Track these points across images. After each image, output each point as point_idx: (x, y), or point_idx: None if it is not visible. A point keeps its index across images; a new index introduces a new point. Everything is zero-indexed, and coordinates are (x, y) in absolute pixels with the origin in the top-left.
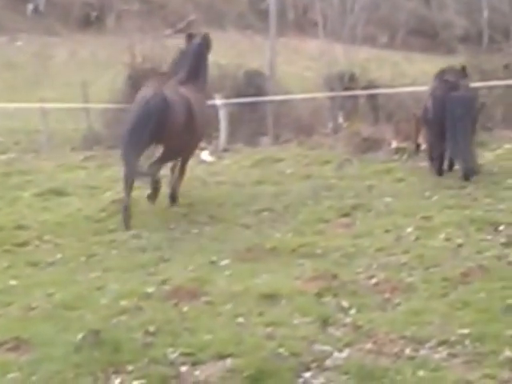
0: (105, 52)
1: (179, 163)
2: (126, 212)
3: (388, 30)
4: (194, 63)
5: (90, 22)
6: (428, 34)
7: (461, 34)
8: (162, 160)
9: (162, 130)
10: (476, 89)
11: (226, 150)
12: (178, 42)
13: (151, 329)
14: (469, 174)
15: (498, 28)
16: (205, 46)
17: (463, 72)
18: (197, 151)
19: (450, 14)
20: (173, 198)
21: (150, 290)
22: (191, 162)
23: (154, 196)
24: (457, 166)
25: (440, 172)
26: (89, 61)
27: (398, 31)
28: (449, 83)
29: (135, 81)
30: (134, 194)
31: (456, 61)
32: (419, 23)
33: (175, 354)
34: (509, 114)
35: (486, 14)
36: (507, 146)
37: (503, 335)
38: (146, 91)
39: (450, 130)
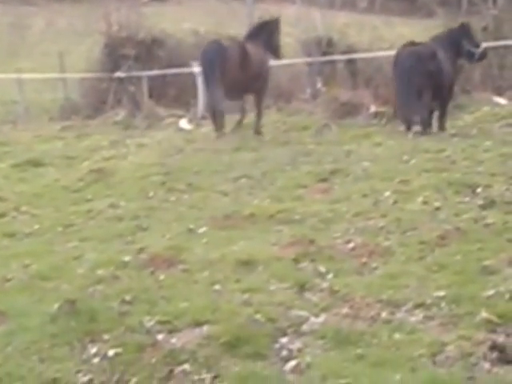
0: (82, 21)
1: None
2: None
3: None
4: (255, 31)
5: None
6: None
7: None
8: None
9: (222, 66)
10: (433, 50)
11: (204, 118)
12: (155, 10)
13: (127, 297)
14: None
15: None
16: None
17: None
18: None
19: None
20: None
21: (127, 258)
22: (170, 131)
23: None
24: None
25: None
26: (66, 30)
27: None
28: (408, 43)
29: (112, 49)
30: (111, 163)
31: (435, 24)
32: None
33: (151, 322)
34: (487, 76)
35: None
36: (485, 108)
37: (479, 296)
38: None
39: (396, 82)
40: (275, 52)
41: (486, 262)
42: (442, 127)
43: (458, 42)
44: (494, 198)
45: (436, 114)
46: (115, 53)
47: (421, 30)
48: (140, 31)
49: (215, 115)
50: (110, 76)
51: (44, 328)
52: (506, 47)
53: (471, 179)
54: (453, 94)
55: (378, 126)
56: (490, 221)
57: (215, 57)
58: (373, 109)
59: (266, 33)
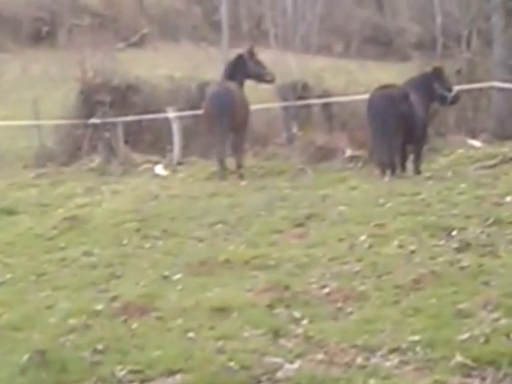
0: (57, 67)
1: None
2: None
3: (343, 39)
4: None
5: (41, 37)
6: (382, 42)
7: (415, 41)
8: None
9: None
10: (405, 92)
11: (180, 164)
12: (131, 56)
13: (99, 347)
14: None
15: (451, 34)
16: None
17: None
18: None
19: (403, 21)
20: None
21: (100, 307)
22: (145, 177)
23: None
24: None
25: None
26: (41, 77)
27: (352, 40)
28: (381, 86)
29: (87, 96)
30: (85, 210)
31: (410, 67)
32: (373, 31)
33: (123, 372)
34: (461, 119)
35: (439, 20)
36: (460, 150)
37: (454, 340)
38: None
39: (369, 125)
40: (261, 78)
41: (461, 306)
42: (416, 171)
43: (431, 85)
44: (469, 241)
45: (411, 158)
46: (90, 99)
47: (396, 74)
48: (115, 77)
49: (222, 163)
50: (85, 122)
51: (13, 380)
52: (479, 90)
53: (446, 222)
54: (427, 138)
55: (353, 170)
56: (465, 264)
57: (225, 100)
58: (348, 153)
59: (241, 68)
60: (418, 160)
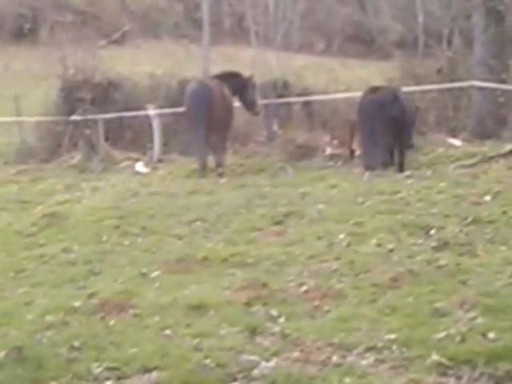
0: (38, 64)
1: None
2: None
3: (325, 37)
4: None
5: (24, 34)
6: (364, 40)
7: (396, 40)
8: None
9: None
10: (395, 94)
11: (160, 161)
12: (113, 53)
13: (76, 344)
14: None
15: (433, 33)
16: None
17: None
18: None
19: (385, 20)
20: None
21: (78, 304)
22: (126, 174)
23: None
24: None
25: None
26: (22, 73)
27: (334, 38)
28: (371, 88)
29: (68, 93)
30: (65, 207)
31: (391, 66)
32: (355, 29)
33: (100, 369)
34: (442, 118)
35: (420, 19)
36: (440, 149)
37: (430, 339)
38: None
39: (360, 129)
40: (251, 106)
41: (438, 305)
42: (401, 167)
43: None
44: (447, 240)
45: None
46: (71, 96)
47: (377, 72)
48: (96, 74)
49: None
50: (65, 119)
51: None
52: (460, 89)
53: (425, 221)
54: (412, 135)
55: (333, 168)
56: (442, 263)
57: (203, 98)
58: (328, 151)
59: (236, 81)
60: (402, 156)
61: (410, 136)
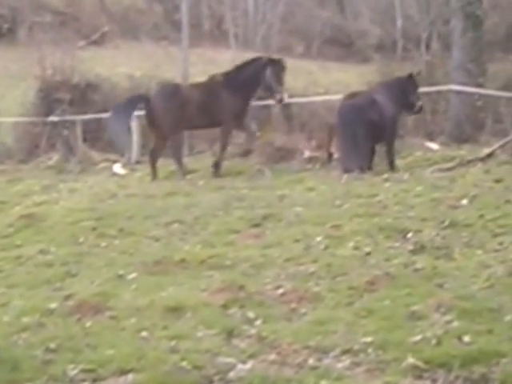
0: (17, 65)
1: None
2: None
3: (304, 40)
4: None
5: (2, 34)
6: (343, 43)
7: (375, 43)
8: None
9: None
10: (373, 99)
11: (138, 162)
12: (91, 54)
13: (52, 345)
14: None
15: (411, 37)
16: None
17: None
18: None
19: (364, 24)
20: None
21: (54, 305)
22: (103, 176)
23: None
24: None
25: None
26: (0, 74)
27: (313, 41)
28: (350, 94)
29: (46, 93)
30: (42, 208)
31: (370, 69)
32: (335, 33)
33: (75, 371)
34: (420, 121)
35: (399, 23)
36: (418, 153)
37: (406, 342)
38: None
39: (338, 134)
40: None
41: (414, 308)
42: (391, 166)
43: (405, 89)
44: (424, 243)
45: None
46: (49, 97)
47: (356, 75)
48: (75, 75)
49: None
50: (43, 120)
51: None
52: (438, 93)
53: (402, 224)
54: (396, 134)
55: (311, 171)
56: (419, 266)
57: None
58: (307, 154)
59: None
60: (391, 156)
61: (395, 135)
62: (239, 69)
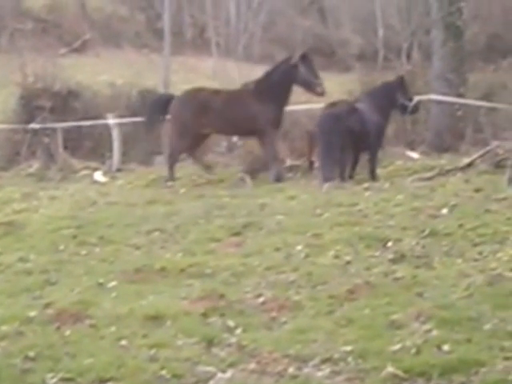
0: None
1: None
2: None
3: (285, 49)
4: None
5: None
6: (325, 53)
7: (357, 53)
8: None
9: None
10: (353, 107)
11: (119, 170)
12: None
13: (31, 354)
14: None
15: (392, 47)
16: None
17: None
18: (89, 172)
19: (346, 33)
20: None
21: (33, 314)
22: (84, 184)
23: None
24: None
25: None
26: None
27: (295, 50)
28: (332, 103)
29: (27, 101)
30: (22, 216)
31: (351, 78)
32: (316, 42)
33: (54, 380)
34: (400, 130)
35: (381, 32)
36: (398, 162)
37: (386, 351)
38: None
39: (318, 143)
40: (310, 87)
41: (394, 317)
42: (372, 175)
43: (393, 94)
44: (404, 252)
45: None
46: (30, 104)
47: (337, 84)
48: (56, 83)
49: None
50: (24, 127)
51: None
52: (418, 102)
53: (382, 233)
54: (381, 144)
55: (292, 180)
56: (399, 275)
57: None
58: (288, 162)
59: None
60: (373, 165)
61: (379, 144)
62: (269, 75)
